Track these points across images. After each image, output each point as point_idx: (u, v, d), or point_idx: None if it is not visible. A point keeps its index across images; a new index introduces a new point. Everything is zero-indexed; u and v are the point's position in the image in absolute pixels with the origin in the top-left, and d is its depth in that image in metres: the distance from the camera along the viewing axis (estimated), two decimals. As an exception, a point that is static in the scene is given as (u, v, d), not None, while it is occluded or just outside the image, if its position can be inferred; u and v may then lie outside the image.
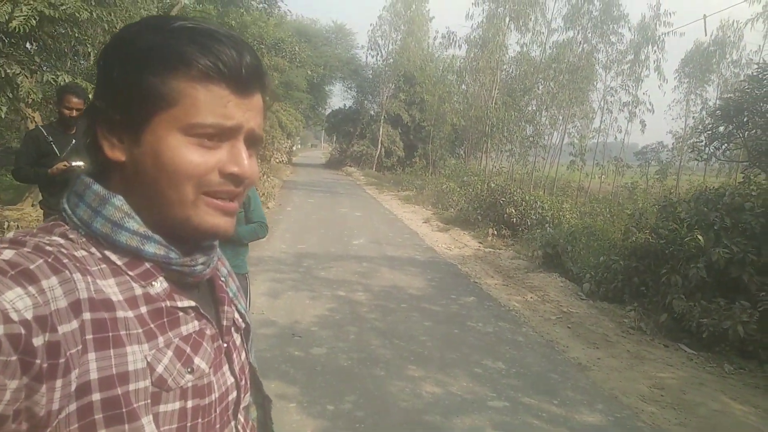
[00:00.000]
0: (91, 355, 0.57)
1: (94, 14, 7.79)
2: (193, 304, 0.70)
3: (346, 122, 37.48)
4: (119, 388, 0.59)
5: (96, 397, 0.58)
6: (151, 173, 0.64)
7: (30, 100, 8.12)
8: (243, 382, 0.78)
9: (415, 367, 4.45)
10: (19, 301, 0.51)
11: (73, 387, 0.56)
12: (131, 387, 0.60)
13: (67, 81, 8.15)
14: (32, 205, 12.67)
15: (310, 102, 37.14)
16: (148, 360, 0.62)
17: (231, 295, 0.81)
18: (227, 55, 0.63)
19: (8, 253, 0.55)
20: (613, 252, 7.34)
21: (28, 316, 0.51)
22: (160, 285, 0.67)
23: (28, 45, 9.59)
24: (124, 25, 0.79)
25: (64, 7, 7.31)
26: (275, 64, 16.05)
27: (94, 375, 0.57)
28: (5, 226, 8.92)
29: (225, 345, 0.75)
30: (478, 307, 6.35)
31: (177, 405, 0.65)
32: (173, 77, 0.63)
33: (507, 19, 18.92)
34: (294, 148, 42.32)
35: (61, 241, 0.62)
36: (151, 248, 0.66)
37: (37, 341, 0.51)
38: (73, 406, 0.56)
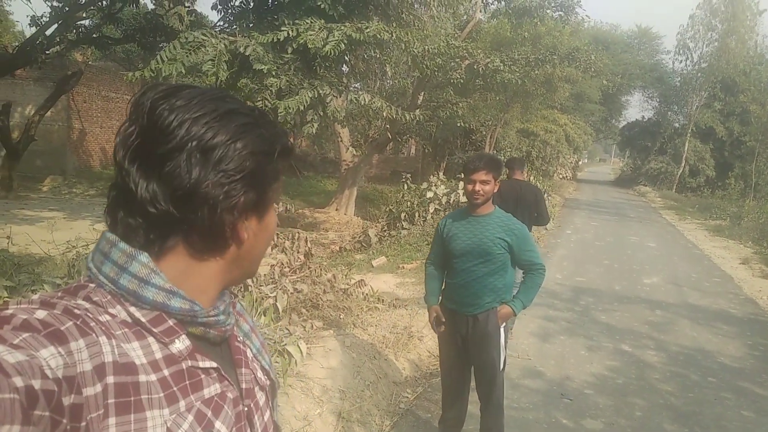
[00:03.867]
0: (112, 420, 0.58)
1: (394, 35, 8.21)
2: (215, 365, 0.71)
3: (643, 136, 33.82)
4: None
5: None
6: (263, 244, 0.76)
7: (335, 118, 9.01)
8: None
9: (731, 483, 3.26)
10: (52, 359, 0.53)
11: None
12: None
13: (367, 100, 8.84)
14: (336, 209, 14.36)
15: (603, 114, 34.72)
16: (168, 425, 0.62)
17: (254, 351, 0.83)
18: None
19: (41, 313, 0.57)
20: None
21: (60, 375, 0.53)
22: (182, 343, 0.68)
23: (344, 68, 10.83)
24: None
25: (368, 30, 7.85)
26: (567, 75, 15.05)
27: None
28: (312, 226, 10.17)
29: (246, 408, 0.75)
30: (831, 401, 4.54)
31: None
32: (281, 160, 0.73)
33: None
34: (580, 162, 40.05)
35: (87, 305, 0.63)
36: (176, 303, 0.67)
37: (66, 401, 0.53)
38: None
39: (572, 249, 10.66)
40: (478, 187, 2.78)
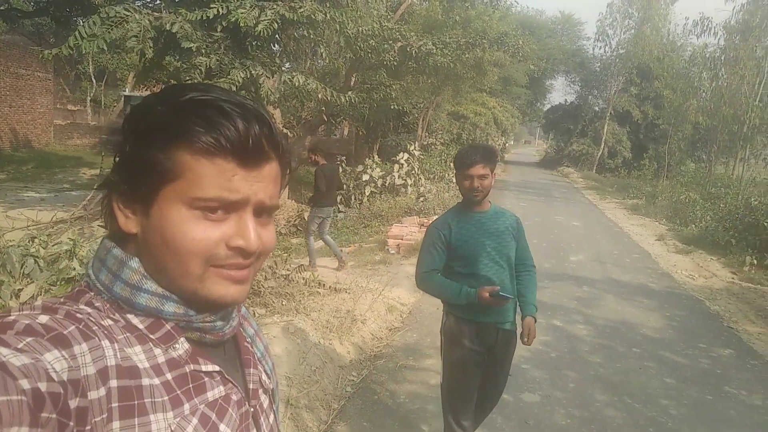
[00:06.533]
0: (116, 424, 0.57)
1: (328, 15, 8.06)
2: (217, 368, 0.70)
3: (565, 119, 35.30)
4: None
5: None
6: (158, 246, 0.65)
7: (268, 99, 8.78)
8: None
9: (656, 445, 3.51)
10: (56, 363, 0.53)
11: None
12: None
13: (301, 81, 8.67)
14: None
15: (528, 97, 35.88)
16: (172, 429, 0.62)
17: (258, 355, 0.82)
18: (232, 129, 0.62)
19: (43, 318, 0.57)
20: None
21: (65, 377, 0.53)
22: (182, 346, 0.67)
23: (274, 47, 10.51)
24: (145, 97, 0.68)
25: (302, 10, 7.66)
26: (496, 59, 15.39)
27: None
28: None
29: (252, 409, 0.74)
30: (738, 365, 4.98)
31: None
32: (177, 152, 0.62)
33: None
34: (507, 145, 41.30)
35: (89, 310, 0.63)
36: (170, 308, 0.66)
37: (72, 404, 0.53)
38: None
39: (504, 229, 10.99)
40: (476, 183, 2.45)
